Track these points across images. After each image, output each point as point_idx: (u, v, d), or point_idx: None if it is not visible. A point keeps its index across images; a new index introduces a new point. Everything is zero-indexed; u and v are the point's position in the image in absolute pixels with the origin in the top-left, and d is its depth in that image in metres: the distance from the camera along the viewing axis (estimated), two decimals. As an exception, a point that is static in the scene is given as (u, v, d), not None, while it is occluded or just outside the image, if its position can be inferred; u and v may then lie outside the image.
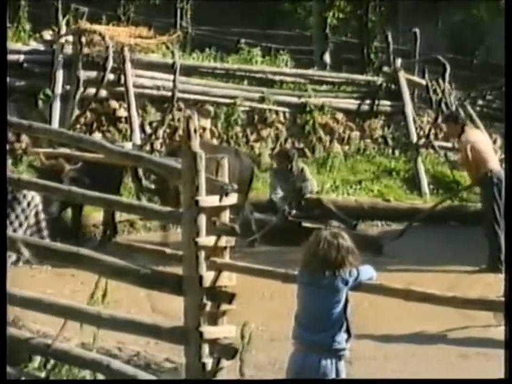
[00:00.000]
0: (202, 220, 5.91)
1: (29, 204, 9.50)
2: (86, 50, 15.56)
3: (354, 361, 7.50)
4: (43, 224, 9.53)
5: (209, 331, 5.91)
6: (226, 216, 6.11)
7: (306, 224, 13.16)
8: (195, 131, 5.97)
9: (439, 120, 17.77)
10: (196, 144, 5.92)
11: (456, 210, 14.79)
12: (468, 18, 27.96)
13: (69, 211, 12.44)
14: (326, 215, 13.77)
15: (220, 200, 6.02)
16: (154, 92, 16.38)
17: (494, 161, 11.77)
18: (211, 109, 16.99)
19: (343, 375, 5.41)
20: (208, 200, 5.93)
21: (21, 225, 9.44)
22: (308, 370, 5.30)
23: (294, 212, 13.50)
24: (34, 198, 9.50)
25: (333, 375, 5.31)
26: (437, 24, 27.43)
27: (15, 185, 7.40)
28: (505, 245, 6.20)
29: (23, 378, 6.40)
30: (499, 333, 8.38)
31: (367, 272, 5.55)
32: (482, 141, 12.18)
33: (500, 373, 7.30)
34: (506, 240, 5.06)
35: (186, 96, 16.67)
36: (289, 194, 13.67)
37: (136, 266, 6.20)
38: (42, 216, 9.61)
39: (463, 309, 6.75)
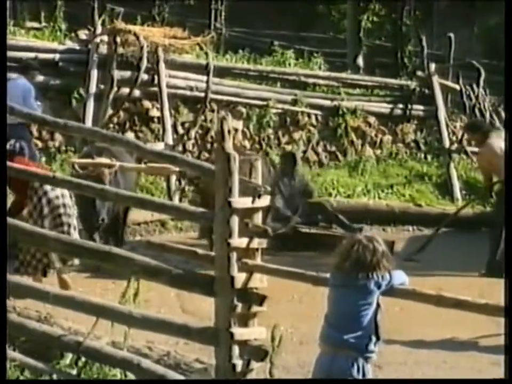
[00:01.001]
0: (235, 221, 5.92)
1: (56, 198, 9.61)
2: (120, 50, 15.63)
3: (384, 366, 7.51)
4: (68, 220, 9.64)
5: (239, 332, 5.92)
6: (259, 218, 6.12)
7: (305, 229, 13.14)
8: (229, 132, 6.00)
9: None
10: (229, 145, 5.94)
11: (489, 216, 14.68)
12: (504, 22, 27.77)
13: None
14: (328, 220, 13.69)
15: (253, 201, 6.04)
16: (187, 93, 16.41)
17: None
18: (243, 110, 17.00)
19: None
20: (241, 201, 5.94)
21: (42, 217, 9.56)
22: (335, 372, 5.29)
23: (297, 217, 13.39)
24: (64, 194, 9.62)
25: (359, 377, 5.31)
26: (473, 28, 27.28)
27: (50, 183, 7.44)
28: (505, 248, 6.14)
29: (55, 375, 6.43)
30: (531, 340, 8.38)
31: (400, 277, 5.56)
32: (503, 149, 12.02)
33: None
34: (507, 242, 5.00)
35: (219, 97, 16.69)
36: (292, 198, 13.57)
37: (169, 267, 6.23)
38: (70, 212, 9.71)
39: (495, 316, 6.73)
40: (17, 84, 13.49)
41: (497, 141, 12.24)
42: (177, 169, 9.53)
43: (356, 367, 5.29)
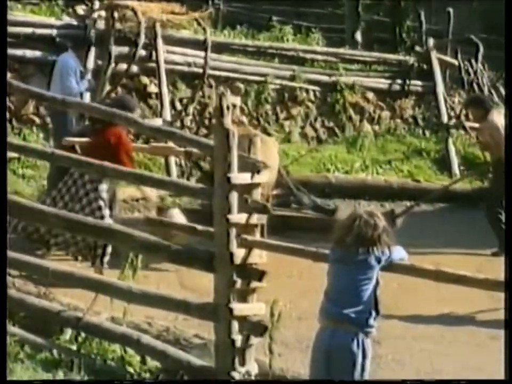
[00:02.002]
0: (234, 197, 5.94)
1: (84, 184, 9.56)
2: (118, 25, 15.53)
3: (383, 341, 7.54)
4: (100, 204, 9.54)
5: (239, 308, 5.95)
6: (258, 194, 6.13)
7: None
8: (228, 108, 5.99)
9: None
10: (228, 121, 5.94)
11: (486, 191, 14.68)
12: (503, -2, 27.70)
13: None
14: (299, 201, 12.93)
15: (252, 177, 6.04)
16: (185, 69, 16.36)
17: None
18: (241, 86, 16.97)
19: (370, 353, 5.43)
20: (240, 177, 5.95)
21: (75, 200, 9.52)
22: (335, 346, 5.33)
23: None
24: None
25: (359, 352, 5.33)
26: (471, 3, 27.18)
27: (48, 159, 7.42)
28: (505, 226, 6.06)
29: (55, 350, 6.45)
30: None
31: (399, 253, 5.60)
32: (503, 125, 12.01)
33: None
34: (507, 221, 4.96)
35: (217, 73, 16.64)
36: None
37: (168, 242, 6.24)
38: (101, 196, 9.61)
39: (493, 291, 6.75)
40: (59, 61, 13.57)
41: (498, 117, 12.25)
42: (181, 149, 9.40)
43: (355, 341, 5.32)
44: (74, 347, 6.60)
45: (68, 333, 6.74)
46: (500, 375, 6.92)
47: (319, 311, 5.47)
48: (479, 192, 13.90)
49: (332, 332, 5.35)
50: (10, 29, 14.26)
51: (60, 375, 5.91)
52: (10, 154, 12.37)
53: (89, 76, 13.97)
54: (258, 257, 6.12)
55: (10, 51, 14.17)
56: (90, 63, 14.74)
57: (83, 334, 6.66)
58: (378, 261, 5.38)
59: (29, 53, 14.77)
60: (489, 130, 11.66)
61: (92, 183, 9.46)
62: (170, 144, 9.88)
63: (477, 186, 14.99)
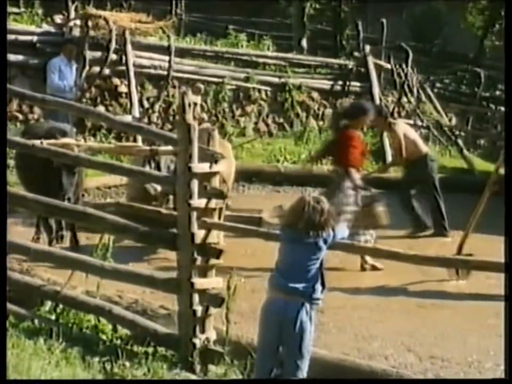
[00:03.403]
0: (195, 184, 5.92)
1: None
2: (92, 33, 15.40)
3: (325, 310, 7.53)
4: None
5: (199, 282, 5.93)
6: (216, 181, 6.10)
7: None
8: (189, 106, 5.96)
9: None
10: (189, 117, 5.90)
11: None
12: (429, 10, 27.88)
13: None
14: None
15: (210, 167, 6.02)
16: (152, 71, 16.28)
17: (424, 145, 11.83)
18: (201, 86, 16.85)
19: (314, 322, 5.40)
20: (199, 167, 5.92)
21: None
22: (288, 316, 5.27)
23: None
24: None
25: (308, 321, 5.32)
26: (401, 15, 27.34)
27: (30, 150, 7.29)
28: (505, 242, 5.78)
29: (36, 320, 6.38)
30: (452, 286, 8.50)
31: (341, 232, 5.59)
32: (411, 129, 12.06)
33: (451, 320, 7.38)
34: (506, 237, 4.84)
35: (180, 75, 16.58)
36: None
37: (136, 225, 6.19)
38: None
39: (423, 265, 6.78)
40: (49, 62, 13.49)
41: (401, 122, 12.37)
42: (147, 148, 9.19)
43: (304, 311, 5.29)
44: (53, 317, 6.54)
45: (48, 304, 6.67)
46: (429, 338, 6.98)
47: (268, 282, 5.43)
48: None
49: (284, 303, 5.30)
50: None
51: (41, 342, 5.83)
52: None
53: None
54: (216, 238, 6.10)
55: None
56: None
57: (61, 306, 6.60)
58: (325, 242, 5.37)
59: (12, 57, 14.53)
60: (400, 136, 11.31)
61: None
62: (137, 143, 9.78)
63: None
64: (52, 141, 8.55)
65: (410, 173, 11.50)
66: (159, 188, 9.22)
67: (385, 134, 16.87)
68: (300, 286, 5.29)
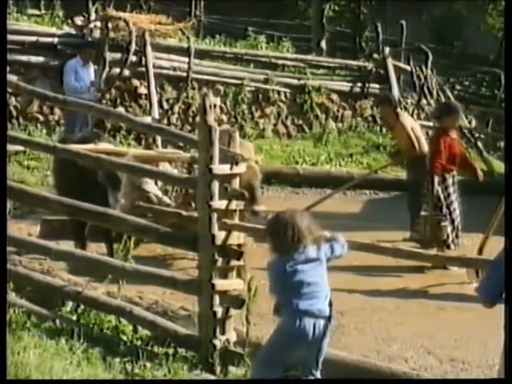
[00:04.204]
0: (215, 185, 5.92)
1: None
2: (112, 34, 15.47)
3: (345, 312, 7.55)
4: None
5: (220, 284, 5.94)
6: (236, 183, 6.11)
7: None
8: (210, 107, 5.97)
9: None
10: (211, 118, 5.91)
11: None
12: (449, 12, 27.78)
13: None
14: None
15: (231, 168, 6.02)
16: (171, 73, 16.32)
17: (426, 145, 10.95)
18: (221, 88, 16.94)
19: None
20: (220, 168, 5.93)
21: None
22: (316, 338, 5.14)
23: None
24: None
25: (327, 337, 5.22)
26: (421, 17, 27.26)
27: (51, 152, 7.33)
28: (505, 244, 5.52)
29: (57, 320, 6.41)
30: (471, 289, 8.45)
31: (339, 249, 5.37)
32: (416, 125, 11.56)
33: (472, 323, 7.37)
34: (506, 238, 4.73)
35: (199, 76, 16.61)
36: None
37: (157, 226, 6.21)
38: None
39: (445, 264, 6.79)
40: (65, 64, 13.56)
41: (408, 117, 11.98)
42: (188, 155, 9.01)
43: (328, 330, 5.21)
44: (74, 317, 6.56)
45: (69, 305, 6.70)
46: (449, 341, 6.98)
47: (284, 307, 5.20)
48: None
49: (313, 326, 5.12)
50: (17, 37, 14.42)
51: (62, 342, 5.87)
52: (17, 147, 12.41)
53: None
54: (237, 239, 6.10)
55: (17, 57, 14.29)
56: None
57: (82, 306, 6.62)
58: (321, 254, 5.19)
59: (33, 59, 14.71)
60: (408, 128, 10.89)
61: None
62: (177, 150, 9.61)
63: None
64: (91, 146, 8.30)
65: (411, 173, 11.06)
66: (161, 196, 9.08)
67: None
68: (322, 304, 5.17)
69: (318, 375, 5.30)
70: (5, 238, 5.78)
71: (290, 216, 5.19)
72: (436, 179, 9.54)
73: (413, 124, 11.36)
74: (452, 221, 9.61)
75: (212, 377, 5.83)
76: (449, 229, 9.53)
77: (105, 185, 8.40)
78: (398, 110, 11.36)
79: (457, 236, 9.64)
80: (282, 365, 5.28)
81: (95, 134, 9.18)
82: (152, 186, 9.16)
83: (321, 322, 5.16)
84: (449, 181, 9.77)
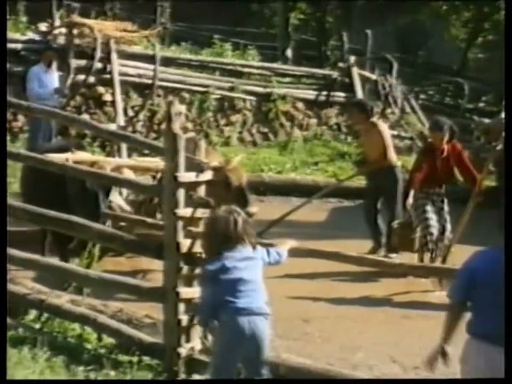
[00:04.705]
0: (181, 193, 5.91)
1: None
2: (76, 41, 15.47)
3: (311, 320, 7.58)
4: None
5: (185, 291, 5.93)
6: (202, 191, 6.11)
7: None
8: (176, 114, 5.97)
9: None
10: (176, 126, 5.91)
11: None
12: (413, 22, 28.02)
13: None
14: None
15: (196, 176, 6.03)
16: (137, 80, 16.30)
17: (395, 155, 10.69)
18: (186, 96, 16.94)
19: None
20: (186, 176, 5.93)
21: None
22: (254, 332, 5.14)
23: None
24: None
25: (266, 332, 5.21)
26: (386, 26, 27.42)
27: (15, 159, 7.27)
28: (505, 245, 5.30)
29: (20, 329, 6.37)
30: (436, 297, 8.52)
31: (278, 254, 5.47)
32: (389, 134, 11.01)
33: (436, 331, 7.37)
34: (506, 240, 4.74)
35: (164, 84, 16.60)
36: None
37: (122, 233, 6.19)
38: None
39: (409, 273, 6.80)
40: (29, 70, 13.45)
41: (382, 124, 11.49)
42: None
43: (267, 326, 5.22)
44: (38, 326, 6.52)
45: (32, 313, 6.65)
46: (413, 349, 7.00)
47: (223, 309, 5.15)
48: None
49: (254, 323, 5.13)
50: None
51: (25, 351, 5.83)
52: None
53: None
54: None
55: None
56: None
57: (46, 314, 6.58)
58: (257, 254, 5.25)
59: (-3, 65, 14.58)
60: (385, 135, 10.54)
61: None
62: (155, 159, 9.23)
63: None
64: (68, 155, 8.03)
65: (373, 181, 10.66)
66: (125, 206, 8.89)
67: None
68: (260, 302, 5.18)
69: (265, 373, 5.27)
70: (5, 239, 5.73)
71: (226, 215, 5.21)
72: (412, 192, 9.49)
73: (387, 132, 11.00)
74: (430, 234, 9.42)
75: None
76: (428, 240, 9.38)
77: (96, 190, 8.01)
78: (373, 118, 10.81)
79: (436, 246, 9.44)
80: (234, 367, 5.23)
81: (71, 143, 8.86)
82: (115, 196, 9.01)
83: (261, 319, 5.16)
84: (430, 197, 9.60)
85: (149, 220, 6.54)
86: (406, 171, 10.76)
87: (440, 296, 8.50)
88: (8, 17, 17.42)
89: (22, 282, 7.06)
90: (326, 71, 19.64)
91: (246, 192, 8.33)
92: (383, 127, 10.89)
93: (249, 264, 5.19)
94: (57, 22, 15.95)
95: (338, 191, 14.24)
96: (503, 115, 11.96)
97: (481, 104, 23.93)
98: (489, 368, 4.75)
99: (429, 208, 9.47)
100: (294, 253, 5.77)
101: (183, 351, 5.92)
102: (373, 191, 10.67)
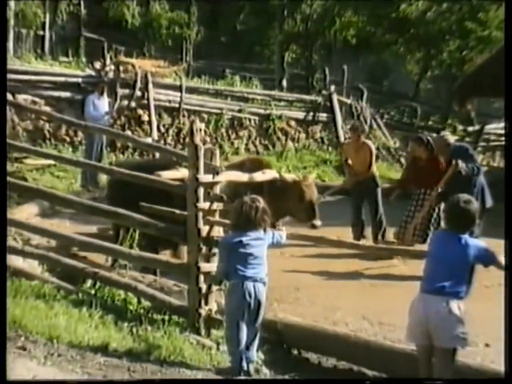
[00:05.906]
0: (201, 190, 5.91)
1: None
2: (122, 75, 15.46)
3: (300, 288, 7.55)
4: None
5: (204, 266, 5.92)
6: (217, 189, 6.10)
7: None
8: (197, 130, 5.96)
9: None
10: (197, 139, 5.90)
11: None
12: (379, 60, 28.04)
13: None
14: None
15: (213, 177, 6.01)
16: (167, 104, 16.30)
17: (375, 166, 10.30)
18: (205, 116, 16.94)
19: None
20: (205, 177, 5.91)
21: None
22: (257, 296, 5.09)
23: None
24: None
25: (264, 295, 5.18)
26: (359, 63, 27.40)
27: (75, 165, 7.24)
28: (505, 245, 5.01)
29: (80, 294, 6.36)
30: (397, 270, 8.48)
31: (278, 236, 5.36)
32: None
33: (396, 296, 7.31)
34: (506, 238, 4.66)
35: (188, 107, 16.61)
36: None
37: (156, 222, 6.18)
38: None
39: (378, 253, 6.76)
40: (86, 98, 13.36)
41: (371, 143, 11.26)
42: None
43: (263, 289, 5.14)
44: (92, 292, 6.52)
45: (89, 282, 6.65)
46: (379, 309, 6.95)
47: (234, 274, 5.08)
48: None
49: (256, 287, 5.07)
50: (51, 78, 14.62)
51: (84, 310, 5.83)
52: (49, 161, 12.34)
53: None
54: (217, 232, 6.08)
55: (50, 93, 14.41)
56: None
57: (98, 283, 6.58)
58: (267, 236, 5.16)
59: (63, 94, 14.69)
60: (373, 151, 10.15)
61: None
62: None
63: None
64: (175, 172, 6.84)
65: (362, 186, 10.08)
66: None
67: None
68: (263, 273, 5.14)
69: (258, 325, 5.19)
70: (5, 239, 5.68)
71: (251, 203, 5.14)
72: (396, 192, 9.29)
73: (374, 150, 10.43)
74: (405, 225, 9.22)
75: (198, 337, 5.79)
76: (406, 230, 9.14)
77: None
78: (362, 137, 10.20)
79: (403, 234, 9.07)
80: (242, 321, 5.12)
81: (173, 161, 7.21)
82: None
83: (262, 286, 5.14)
84: (414, 197, 9.26)
85: (177, 211, 6.48)
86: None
87: (400, 269, 8.50)
88: (72, 59, 17.67)
89: (81, 258, 7.07)
90: (312, 97, 19.62)
91: (315, 207, 7.84)
92: (371, 145, 10.38)
93: (259, 243, 5.15)
94: (108, 61, 15.96)
95: (322, 189, 14.16)
96: (446, 132, 11.79)
97: (430, 123, 23.93)
98: (427, 315, 4.60)
99: (414, 205, 9.26)
100: (288, 237, 5.76)
101: (203, 311, 5.90)
102: (358, 194, 10.14)
